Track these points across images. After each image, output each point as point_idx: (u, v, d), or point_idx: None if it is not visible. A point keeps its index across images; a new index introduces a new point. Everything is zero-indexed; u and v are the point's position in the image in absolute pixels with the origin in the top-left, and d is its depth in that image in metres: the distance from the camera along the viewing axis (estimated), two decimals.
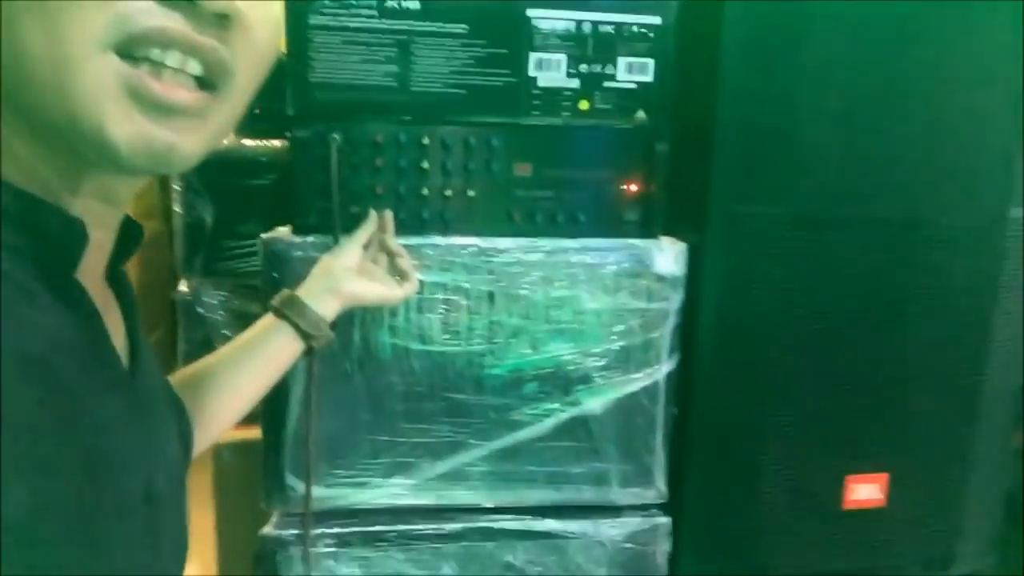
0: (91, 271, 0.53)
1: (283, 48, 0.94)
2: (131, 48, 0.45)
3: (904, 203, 1.05)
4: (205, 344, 1.48)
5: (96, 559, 0.47)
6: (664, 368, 1.05)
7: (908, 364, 1.09)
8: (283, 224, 1.01)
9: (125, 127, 0.45)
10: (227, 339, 1.45)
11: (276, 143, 1.42)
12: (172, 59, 0.46)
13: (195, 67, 0.48)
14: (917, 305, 1.08)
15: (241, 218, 1.46)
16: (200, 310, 1.52)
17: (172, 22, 0.45)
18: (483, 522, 1.06)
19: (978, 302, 1.09)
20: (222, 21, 0.48)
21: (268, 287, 0.96)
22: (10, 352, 0.42)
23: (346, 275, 0.89)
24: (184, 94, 0.48)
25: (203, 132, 0.50)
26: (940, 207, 1.06)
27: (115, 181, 0.52)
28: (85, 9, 0.43)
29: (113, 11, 0.44)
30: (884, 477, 1.12)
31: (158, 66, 0.46)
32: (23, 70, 0.44)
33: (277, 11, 0.54)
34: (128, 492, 0.52)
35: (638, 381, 1.04)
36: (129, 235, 0.58)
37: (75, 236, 0.50)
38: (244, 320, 1.43)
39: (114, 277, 0.59)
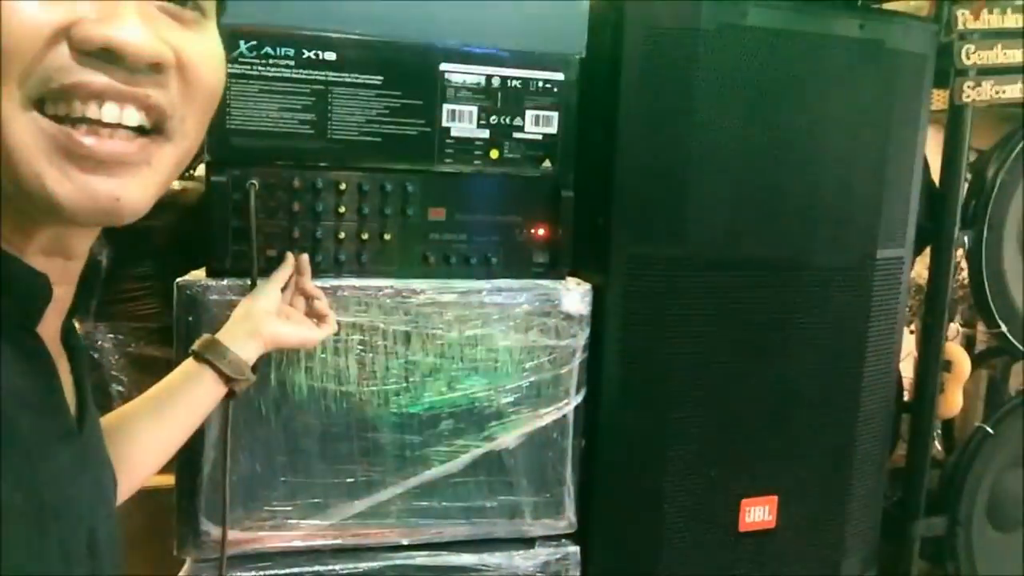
0: (48, 324, 0.54)
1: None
2: (61, 105, 0.45)
3: (785, 245, 1.15)
4: (98, 388, 1.44)
5: None
6: (573, 402, 1.10)
7: (793, 393, 1.19)
8: (180, 266, 1.01)
9: (64, 184, 0.46)
10: (120, 382, 1.41)
11: (174, 184, 1.41)
12: (108, 112, 0.46)
13: (133, 117, 0.47)
14: (799, 338, 1.17)
15: (136, 260, 1.43)
16: (94, 354, 1.48)
17: (96, 77, 0.45)
18: (400, 559, 1.07)
19: (852, 334, 1.20)
20: (156, 67, 0.48)
21: (183, 331, 0.96)
22: None
23: (266, 318, 0.91)
24: (122, 145, 0.47)
25: (150, 178, 0.49)
26: (816, 249, 1.16)
27: (67, 234, 0.52)
28: (8, 71, 0.44)
29: (35, 71, 0.44)
30: (774, 499, 1.20)
31: (94, 121, 0.46)
32: None
33: (215, 47, 0.53)
34: (74, 543, 0.52)
35: (548, 415, 1.09)
36: (84, 289, 0.59)
37: (39, 291, 0.50)
38: (140, 364, 1.41)
39: (64, 330, 0.59)
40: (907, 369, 1.61)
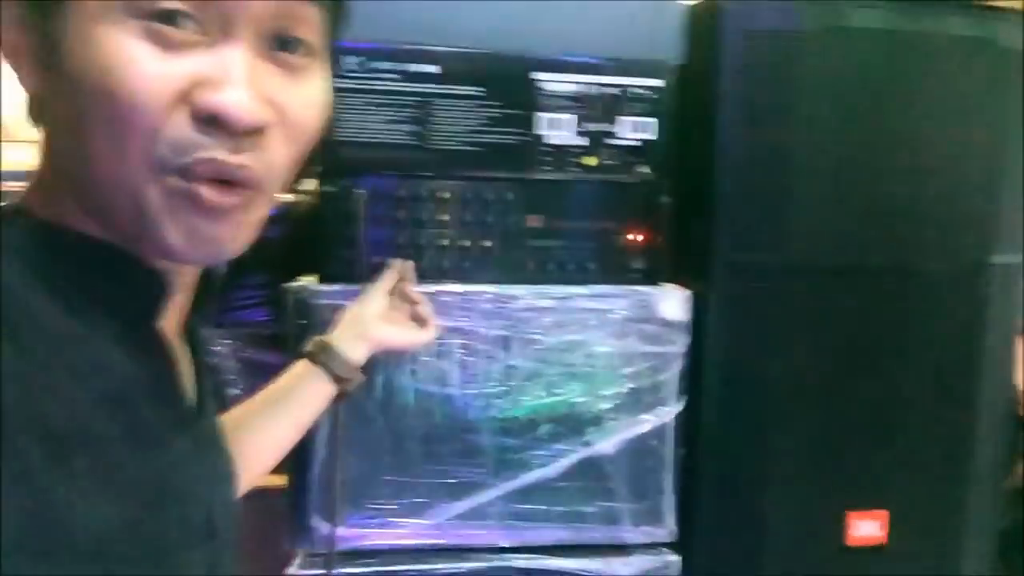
0: (169, 320, 0.58)
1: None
2: (178, 171, 0.49)
3: (893, 251, 1.11)
4: (215, 391, 1.51)
5: None
6: (672, 410, 1.10)
7: (904, 405, 1.14)
8: (292, 275, 1.06)
9: (180, 232, 0.50)
10: (237, 386, 1.48)
11: (288, 196, 1.47)
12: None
13: (233, 179, 0.51)
14: (910, 347, 1.13)
15: (251, 269, 1.50)
16: (212, 359, 1.56)
17: (209, 153, 0.48)
18: (499, 561, 1.09)
19: (966, 343, 1.15)
20: (257, 130, 0.50)
21: (294, 334, 1.00)
22: (99, 391, 0.48)
23: (374, 321, 0.95)
24: (231, 199, 0.51)
25: (247, 224, 0.53)
26: (926, 255, 1.12)
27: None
28: (134, 131, 0.47)
29: (160, 137, 0.47)
30: (884, 514, 1.16)
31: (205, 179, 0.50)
32: (96, 189, 0.49)
33: (319, 92, 0.55)
34: (192, 524, 0.56)
35: (647, 423, 1.09)
36: (204, 286, 0.63)
37: (158, 286, 0.55)
38: (254, 369, 1.47)
39: (188, 324, 0.63)
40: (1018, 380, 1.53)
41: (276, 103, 0.51)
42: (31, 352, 0.44)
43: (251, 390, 1.12)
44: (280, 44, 0.51)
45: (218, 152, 0.49)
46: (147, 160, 0.48)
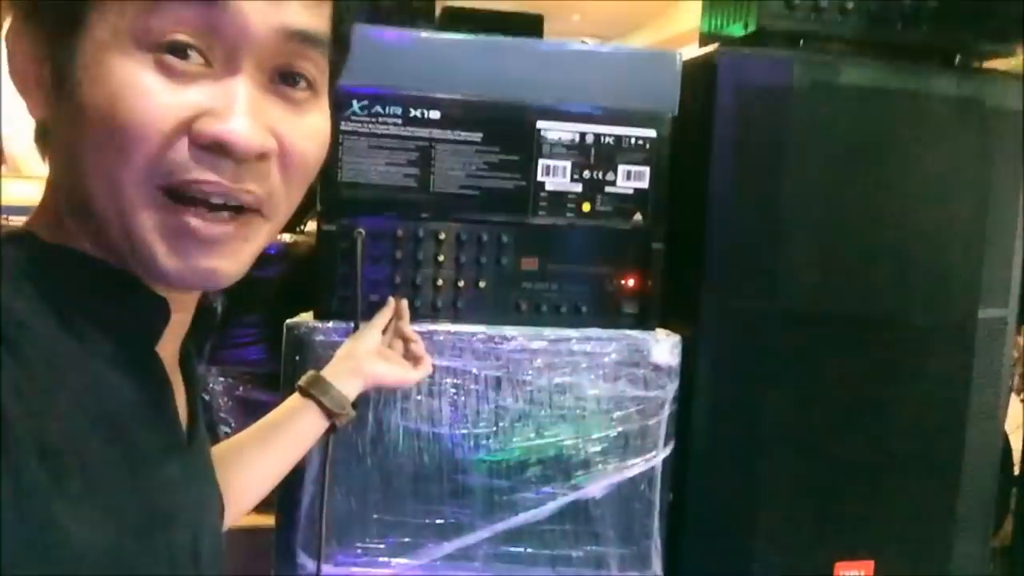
0: (167, 345, 0.59)
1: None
2: (175, 195, 0.50)
3: (881, 303, 1.14)
4: (208, 428, 1.51)
5: None
6: (661, 454, 1.11)
7: (890, 456, 1.16)
8: (288, 315, 1.07)
9: (172, 259, 0.51)
10: (229, 424, 1.49)
11: (285, 237, 1.49)
12: (214, 200, 0.51)
13: (236, 202, 0.52)
14: (896, 398, 1.15)
15: (248, 308, 1.51)
16: (205, 396, 1.56)
17: (208, 176, 0.50)
18: None
19: (953, 396, 1.17)
20: (260, 158, 0.51)
21: (290, 369, 1.02)
22: (92, 412, 0.48)
23: (367, 357, 0.96)
24: (222, 228, 0.51)
25: (245, 251, 0.54)
26: (914, 307, 1.14)
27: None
28: (136, 161, 0.49)
29: (160, 162, 0.49)
30: (870, 564, 1.16)
31: (201, 204, 0.51)
32: (91, 204, 0.51)
33: (319, 125, 0.56)
34: (179, 549, 0.56)
35: (636, 467, 1.10)
36: (202, 316, 0.64)
37: (159, 313, 0.55)
38: (248, 407, 1.48)
39: (183, 352, 0.64)
40: (1018, 442, 1.54)
41: (277, 133, 0.52)
42: (31, 370, 0.45)
43: (244, 428, 1.13)
44: (282, 78, 0.53)
45: (219, 179, 0.50)
46: (145, 184, 0.49)
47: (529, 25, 1.16)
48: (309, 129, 0.55)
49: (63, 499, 0.44)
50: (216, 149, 0.49)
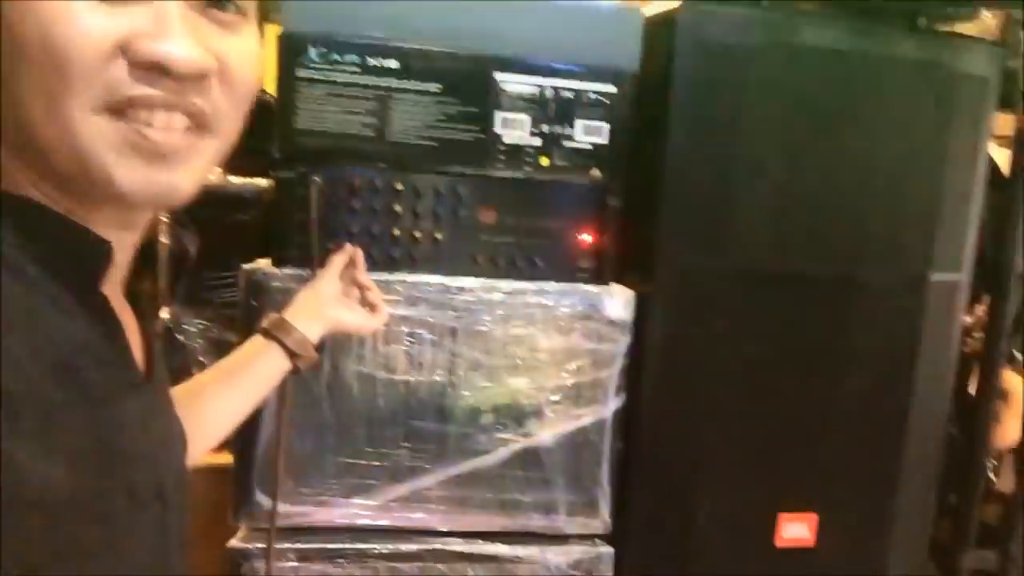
0: (112, 286, 0.59)
1: (268, 86, 1.03)
2: (121, 110, 0.51)
3: (834, 262, 1.15)
4: (183, 370, 1.54)
5: (112, 544, 0.52)
6: (611, 406, 1.13)
7: (837, 412, 1.19)
8: (264, 257, 1.09)
9: (130, 175, 0.51)
10: (203, 366, 1.51)
11: (261, 181, 1.50)
12: (158, 119, 0.52)
13: (180, 120, 0.53)
14: (845, 356, 1.17)
15: (223, 251, 1.52)
16: (179, 337, 1.58)
17: (150, 91, 0.50)
18: (437, 544, 1.12)
19: (902, 356, 1.19)
20: (200, 76, 0.52)
21: (247, 314, 1.04)
22: (42, 355, 0.49)
23: (329, 302, 0.98)
24: (176, 140, 0.52)
25: (197, 168, 0.55)
26: (866, 268, 1.16)
27: (128, 213, 0.58)
28: (74, 81, 0.49)
29: (97, 81, 0.49)
30: (814, 518, 1.20)
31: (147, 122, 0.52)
32: (32, 133, 0.51)
33: (253, 46, 0.57)
34: (142, 488, 0.57)
35: (586, 417, 1.12)
36: (146, 254, 0.65)
37: (101, 253, 0.56)
38: (222, 348, 1.50)
39: (132, 291, 0.65)
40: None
41: (214, 52, 0.53)
42: None
43: None
44: (211, 2, 0.53)
45: (161, 91, 0.51)
46: (89, 102, 0.49)
47: None
48: (244, 48, 0.56)
49: (18, 441, 0.45)
50: (156, 69, 0.50)
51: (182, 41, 0.50)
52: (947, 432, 1.28)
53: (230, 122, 0.57)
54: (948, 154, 1.16)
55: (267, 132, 1.01)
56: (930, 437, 1.24)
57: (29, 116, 0.50)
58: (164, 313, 1.55)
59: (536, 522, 1.14)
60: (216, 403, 0.90)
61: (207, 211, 1.47)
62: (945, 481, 1.32)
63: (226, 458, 1.10)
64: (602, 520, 1.16)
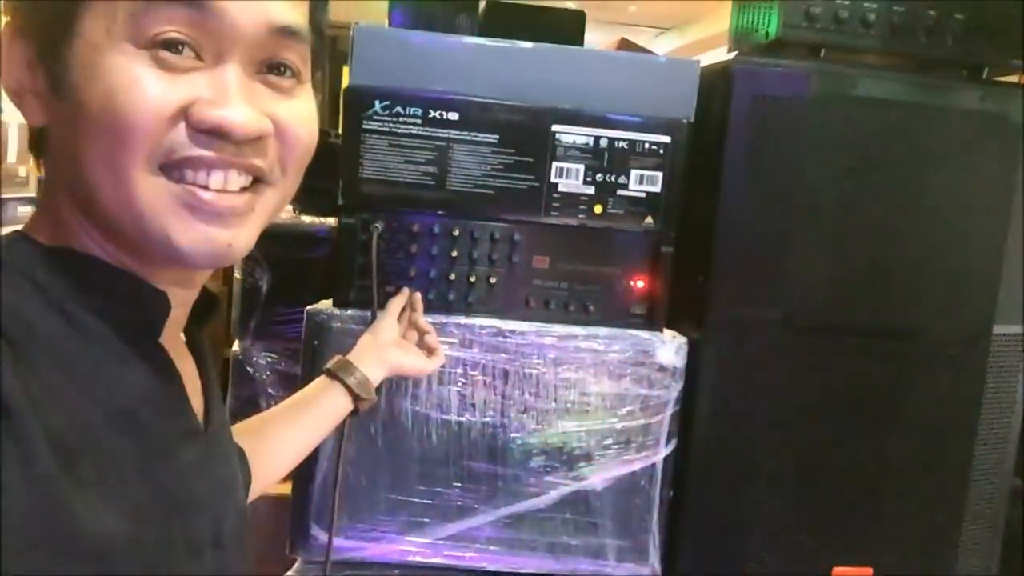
0: (171, 336, 0.63)
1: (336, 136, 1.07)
2: (175, 172, 0.53)
3: (891, 314, 1.14)
4: (251, 402, 1.59)
5: None
6: (662, 452, 1.14)
7: (894, 467, 1.16)
8: (329, 297, 1.13)
9: (187, 235, 0.53)
10: (272, 398, 1.56)
11: (331, 220, 1.55)
12: (215, 180, 0.54)
13: (236, 182, 0.55)
14: (904, 408, 1.15)
15: (294, 287, 1.58)
16: (249, 369, 1.64)
17: (208, 153, 0.53)
18: None
19: (964, 410, 1.17)
20: (257, 139, 0.54)
21: (308, 353, 1.08)
22: (102, 405, 0.51)
23: (391, 346, 1.02)
24: (233, 199, 0.55)
25: (254, 224, 0.58)
26: (926, 320, 1.14)
27: (184, 271, 0.61)
28: (136, 146, 0.51)
29: (160, 144, 0.51)
30: (869, 572, 1.17)
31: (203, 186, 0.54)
32: (95, 194, 0.53)
33: (308, 108, 0.59)
34: (197, 534, 0.58)
35: (637, 462, 1.13)
36: (207, 304, 0.68)
37: (158, 305, 0.58)
38: (289, 381, 1.55)
39: (193, 340, 0.69)
40: None
41: (271, 115, 0.56)
42: (35, 366, 0.47)
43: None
44: (268, 69, 0.56)
45: (219, 153, 0.53)
46: (148, 164, 0.52)
47: (571, 22, 1.19)
48: (300, 111, 0.58)
49: (76, 490, 0.45)
50: (215, 134, 0.53)
51: (240, 107, 0.53)
52: (1012, 484, 1.24)
53: (289, 176, 0.59)
54: (1010, 204, 1.14)
55: (333, 172, 1.06)
56: (994, 491, 1.21)
57: (92, 178, 0.53)
58: (235, 346, 1.61)
59: (585, 566, 1.15)
60: (282, 438, 0.95)
61: (278, 248, 1.55)
62: (1011, 538, 1.27)
63: (287, 488, 1.15)
64: (651, 567, 1.16)
